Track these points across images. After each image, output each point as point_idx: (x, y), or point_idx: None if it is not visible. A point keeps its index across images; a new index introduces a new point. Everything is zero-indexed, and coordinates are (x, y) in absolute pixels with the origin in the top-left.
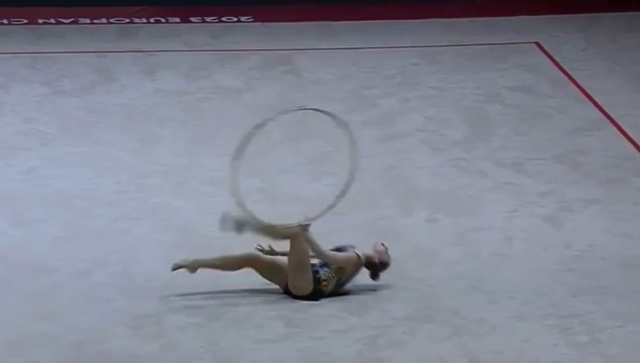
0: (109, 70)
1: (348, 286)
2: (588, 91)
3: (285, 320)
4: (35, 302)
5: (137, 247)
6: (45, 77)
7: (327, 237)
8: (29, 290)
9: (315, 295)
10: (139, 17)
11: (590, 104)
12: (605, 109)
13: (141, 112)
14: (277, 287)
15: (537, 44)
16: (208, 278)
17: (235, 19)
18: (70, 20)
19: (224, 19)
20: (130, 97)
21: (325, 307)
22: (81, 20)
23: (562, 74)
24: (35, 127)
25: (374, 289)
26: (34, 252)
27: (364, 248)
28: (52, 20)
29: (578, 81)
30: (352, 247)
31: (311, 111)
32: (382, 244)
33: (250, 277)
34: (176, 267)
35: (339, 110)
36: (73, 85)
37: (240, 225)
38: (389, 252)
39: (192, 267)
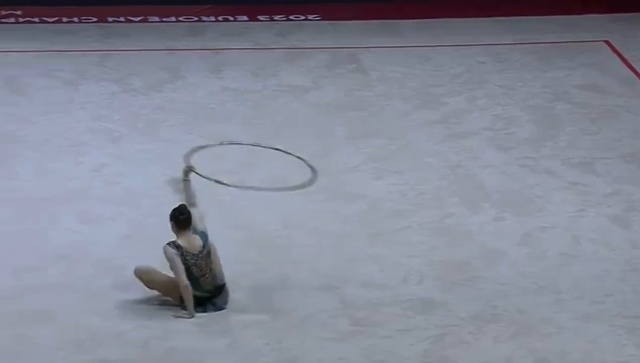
0: (177, 68)
1: None
2: None
3: (350, 318)
4: (103, 300)
5: None
6: (114, 75)
7: (391, 236)
8: (97, 288)
9: None
10: (208, 16)
11: None
12: None
13: (208, 110)
14: None
15: (607, 42)
16: (274, 277)
17: (303, 17)
18: (139, 18)
19: (291, 17)
20: (197, 95)
21: (391, 306)
22: (150, 18)
23: (631, 73)
24: (105, 125)
25: (439, 288)
26: (102, 249)
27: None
28: (122, 19)
29: None
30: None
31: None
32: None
33: (315, 276)
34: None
35: (405, 109)
36: (142, 83)
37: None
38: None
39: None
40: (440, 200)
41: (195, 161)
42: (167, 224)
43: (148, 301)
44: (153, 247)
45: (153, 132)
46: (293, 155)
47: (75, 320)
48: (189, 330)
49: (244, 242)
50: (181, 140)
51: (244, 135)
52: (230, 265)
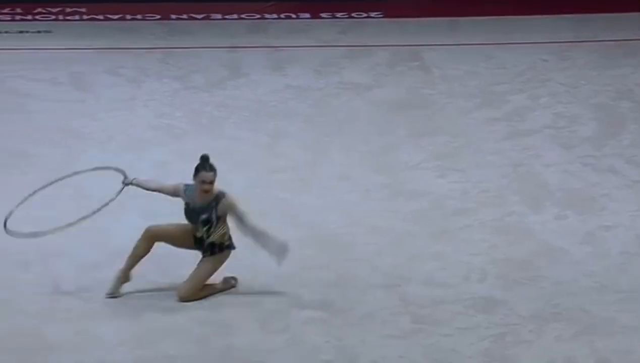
0: (239, 65)
1: None
2: None
3: (411, 316)
4: (164, 296)
5: None
6: (176, 72)
7: (453, 234)
8: (158, 284)
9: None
10: (270, 13)
11: None
12: None
13: (270, 108)
14: None
15: None
16: (335, 274)
17: (365, 15)
18: (202, 16)
19: (353, 14)
20: (259, 92)
21: (452, 304)
22: (213, 15)
23: None
24: (167, 122)
25: (501, 287)
26: (164, 245)
27: None
28: (185, 16)
29: None
30: None
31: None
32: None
33: (376, 273)
34: (112, 295)
35: (467, 107)
36: (204, 80)
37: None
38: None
39: (123, 279)
40: (502, 198)
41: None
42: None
43: (209, 296)
44: None
45: (216, 129)
46: (95, 169)
47: (137, 315)
48: (248, 326)
49: (304, 240)
50: (244, 138)
51: (306, 132)
52: (291, 263)
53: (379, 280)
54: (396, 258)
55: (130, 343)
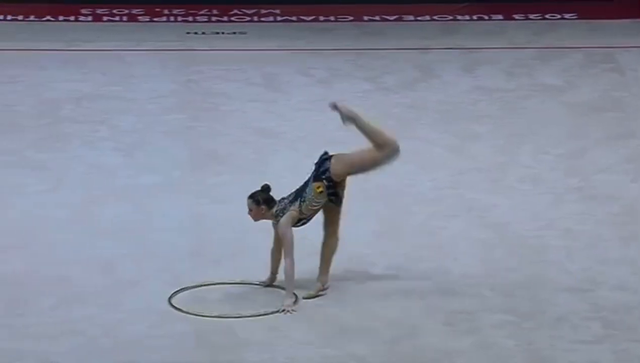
0: (430, 66)
1: None
2: None
3: (602, 321)
4: (352, 296)
5: (452, 243)
6: (367, 73)
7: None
8: (346, 284)
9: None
10: (462, 15)
11: None
12: None
13: (460, 109)
14: None
15: None
16: (524, 277)
17: (559, 16)
18: (394, 17)
19: (547, 16)
20: (449, 93)
21: None
22: (405, 17)
23: None
24: None
25: None
26: (353, 245)
27: None
28: (377, 17)
29: None
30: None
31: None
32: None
33: (566, 277)
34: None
35: None
36: (395, 81)
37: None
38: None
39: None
40: None
41: None
42: (417, 221)
43: (397, 298)
44: (403, 244)
45: (406, 130)
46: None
47: (326, 315)
48: (437, 328)
49: (492, 242)
50: (434, 139)
51: (496, 134)
52: (478, 265)
53: (569, 284)
54: (587, 262)
55: (318, 342)
